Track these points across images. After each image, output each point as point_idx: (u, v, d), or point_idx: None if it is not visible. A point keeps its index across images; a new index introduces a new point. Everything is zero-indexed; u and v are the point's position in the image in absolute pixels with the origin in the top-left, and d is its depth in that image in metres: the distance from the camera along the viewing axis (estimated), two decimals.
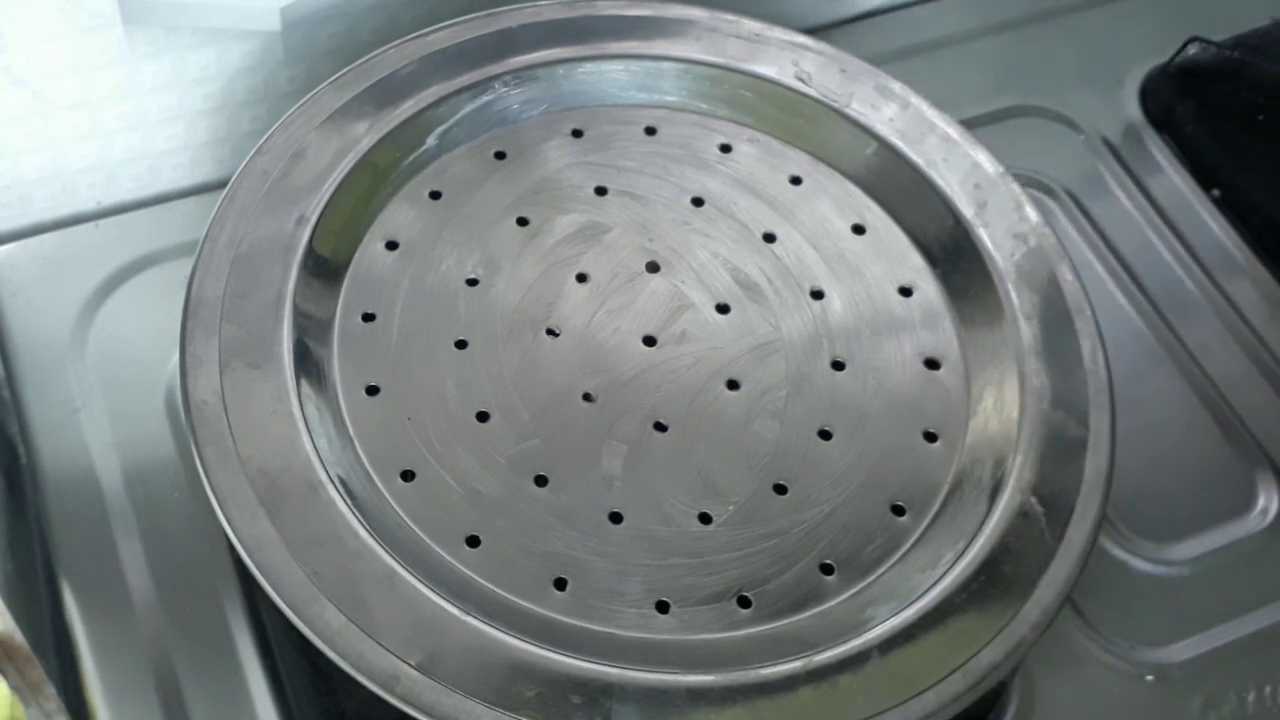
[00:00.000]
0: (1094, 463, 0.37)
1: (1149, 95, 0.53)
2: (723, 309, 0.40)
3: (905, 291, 0.40)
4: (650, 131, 0.43)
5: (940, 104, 0.43)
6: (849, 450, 0.37)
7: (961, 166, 0.42)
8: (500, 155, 0.42)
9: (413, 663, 0.32)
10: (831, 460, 0.37)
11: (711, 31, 0.44)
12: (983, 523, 0.36)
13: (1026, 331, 0.39)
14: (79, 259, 0.45)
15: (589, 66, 0.43)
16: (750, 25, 0.44)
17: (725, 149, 0.43)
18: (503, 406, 0.37)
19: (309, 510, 0.34)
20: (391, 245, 0.40)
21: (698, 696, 0.33)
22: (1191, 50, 0.53)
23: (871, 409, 0.38)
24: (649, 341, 0.39)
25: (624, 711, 0.32)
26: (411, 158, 0.41)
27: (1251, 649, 0.41)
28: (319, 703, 0.38)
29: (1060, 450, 0.37)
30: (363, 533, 0.34)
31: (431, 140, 0.42)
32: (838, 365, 0.39)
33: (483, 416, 0.37)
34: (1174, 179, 0.51)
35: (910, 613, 0.34)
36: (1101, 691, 0.40)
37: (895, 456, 0.37)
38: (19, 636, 0.33)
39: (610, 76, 0.43)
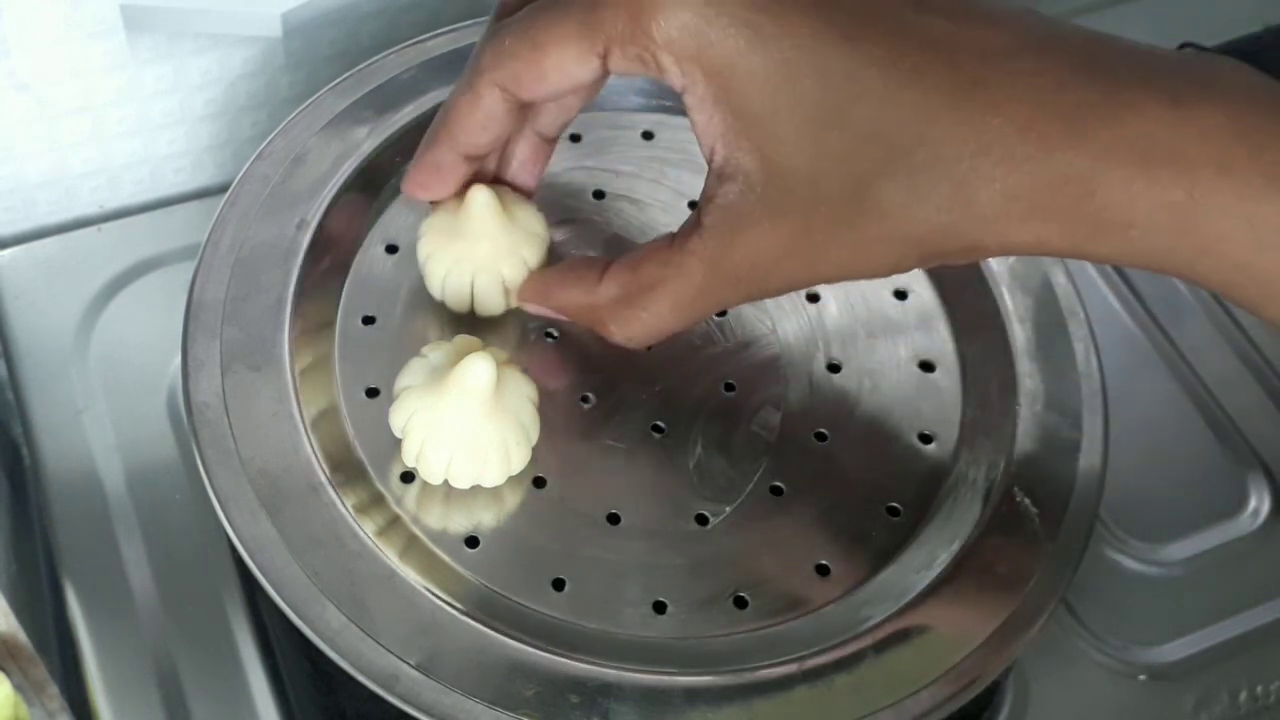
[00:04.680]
0: (1087, 464, 0.37)
1: None
2: (719, 311, 0.40)
3: (900, 295, 0.41)
4: (648, 136, 0.43)
5: None
6: (844, 452, 0.38)
7: None
8: None
9: (412, 662, 0.32)
10: (827, 462, 0.37)
11: None
12: (977, 523, 0.36)
13: (1020, 334, 0.39)
14: (82, 262, 0.45)
15: None
16: None
17: None
18: None
19: (309, 511, 0.34)
20: (391, 249, 0.40)
21: (695, 696, 0.33)
22: None
23: (867, 411, 0.38)
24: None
25: (621, 710, 0.32)
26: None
27: (1243, 648, 0.41)
28: (319, 702, 0.38)
29: (1054, 452, 0.37)
30: (363, 533, 0.34)
31: None
32: (833, 367, 0.39)
33: None
34: None
35: (905, 613, 0.34)
36: (1095, 691, 0.40)
37: (890, 458, 0.38)
38: (22, 636, 0.34)
39: (608, 81, 0.44)
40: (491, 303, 0.38)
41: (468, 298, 0.38)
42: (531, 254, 0.38)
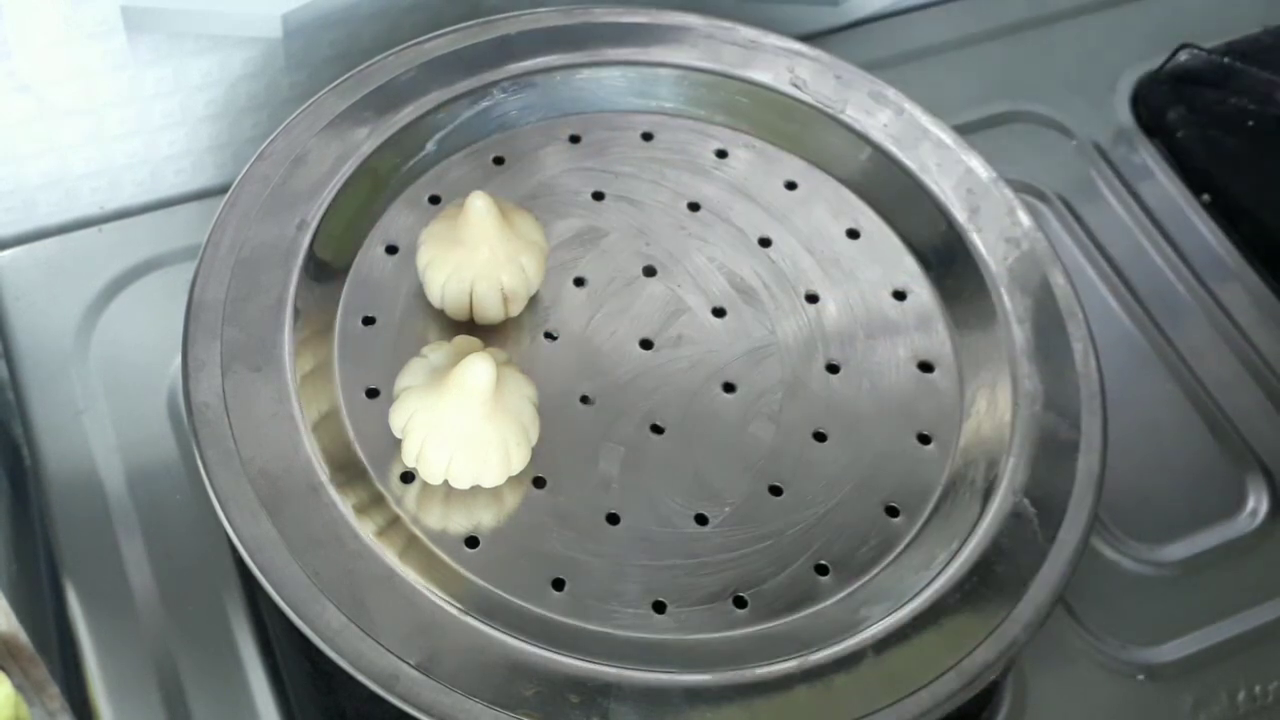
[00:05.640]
0: (1086, 464, 0.37)
1: (1140, 101, 0.53)
2: (719, 313, 0.40)
3: (899, 295, 0.41)
4: (647, 137, 0.43)
5: (934, 110, 0.44)
6: (843, 452, 0.38)
7: (955, 172, 0.42)
8: (499, 160, 0.42)
9: (412, 662, 0.32)
10: (826, 462, 0.38)
11: (708, 38, 0.44)
12: (976, 524, 0.36)
13: (1019, 335, 0.39)
14: (83, 263, 0.45)
15: (586, 73, 0.44)
16: (746, 32, 0.45)
17: (721, 154, 0.43)
18: None
19: (309, 511, 0.34)
20: (391, 250, 0.40)
21: (694, 696, 0.33)
22: (1183, 57, 0.53)
23: (866, 411, 0.39)
24: (646, 345, 0.39)
25: (621, 710, 0.32)
26: (411, 163, 0.42)
27: (1241, 648, 0.41)
28: (319, 702, 0.38)
29: (1052, 452, 0.37)
30: (363, 533, 0.34)
31: (431, 146, 0.42)
32: (832, 368, 0.39)
33: None
34: (1165, 184, 0.51)
35: (904, 613, 0.35)
36: (1093, 691, 0.40)
37: (889, 458, 0.38)
38: (23, 636, 0.34)
39: (607, 83, 0.44)
40: (490, 310, 0.38)
41: (467, 305, 0.38)
42: (530, 262, 0.38)
